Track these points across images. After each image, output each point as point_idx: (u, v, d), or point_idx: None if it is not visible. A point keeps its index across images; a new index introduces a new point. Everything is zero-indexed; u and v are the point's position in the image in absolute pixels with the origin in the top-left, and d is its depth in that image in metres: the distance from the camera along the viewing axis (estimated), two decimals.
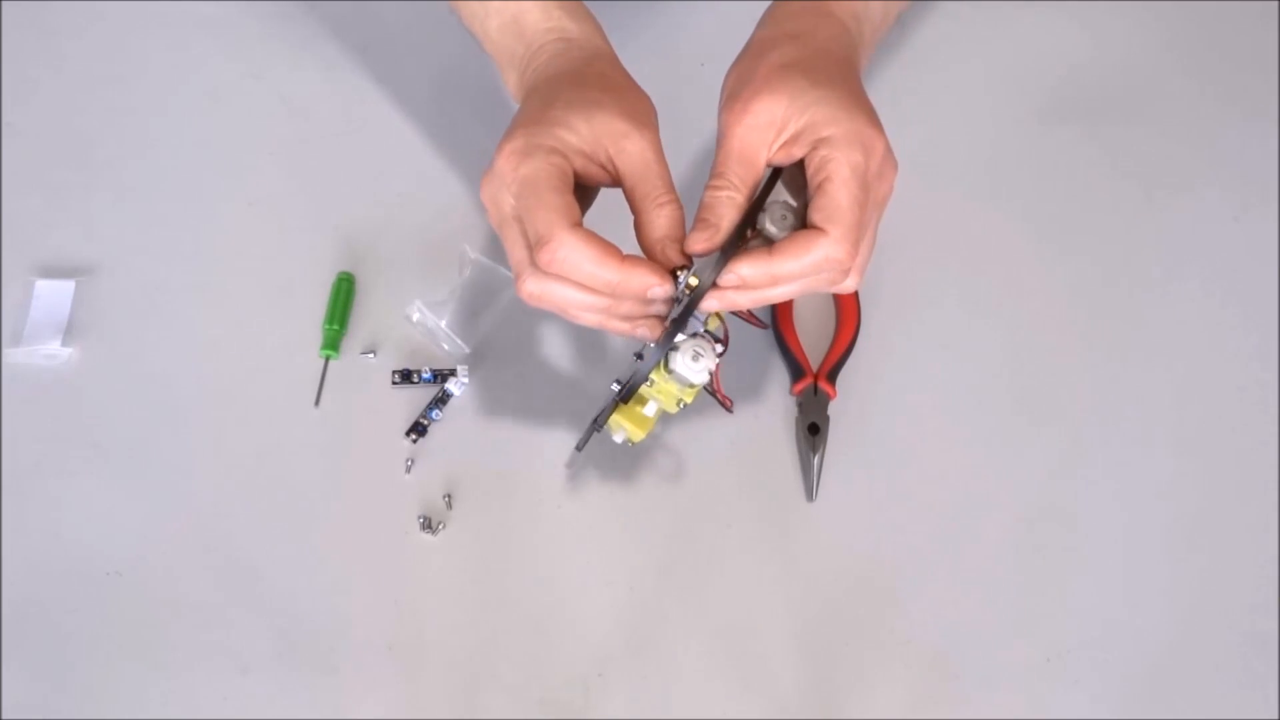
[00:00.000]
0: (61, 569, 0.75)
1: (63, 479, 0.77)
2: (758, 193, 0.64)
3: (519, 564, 0.76)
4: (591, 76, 0.66)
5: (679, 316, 0.64)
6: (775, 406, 0.81)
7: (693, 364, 0.64)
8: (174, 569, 0.75)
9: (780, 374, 0.82)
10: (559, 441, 0.79)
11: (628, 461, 0.79)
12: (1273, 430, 0.80)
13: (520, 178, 0.61)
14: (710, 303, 0.62)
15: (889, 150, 0.62)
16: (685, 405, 0.67)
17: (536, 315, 0.83)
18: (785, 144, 0.62)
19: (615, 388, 0.67)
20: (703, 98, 0.90)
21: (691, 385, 0.66)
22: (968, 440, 0.80)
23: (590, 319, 0.63)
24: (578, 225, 0.60)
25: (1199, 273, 0.86)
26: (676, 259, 0.63)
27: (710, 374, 0.65)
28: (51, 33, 0.92)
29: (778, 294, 0.62)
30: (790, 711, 0.72)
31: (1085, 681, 0.74)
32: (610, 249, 0.61)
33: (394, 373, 0.81)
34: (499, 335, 0.82)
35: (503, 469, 0.78)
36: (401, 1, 0.93)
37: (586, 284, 0.61)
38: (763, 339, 0.82)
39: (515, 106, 0.69)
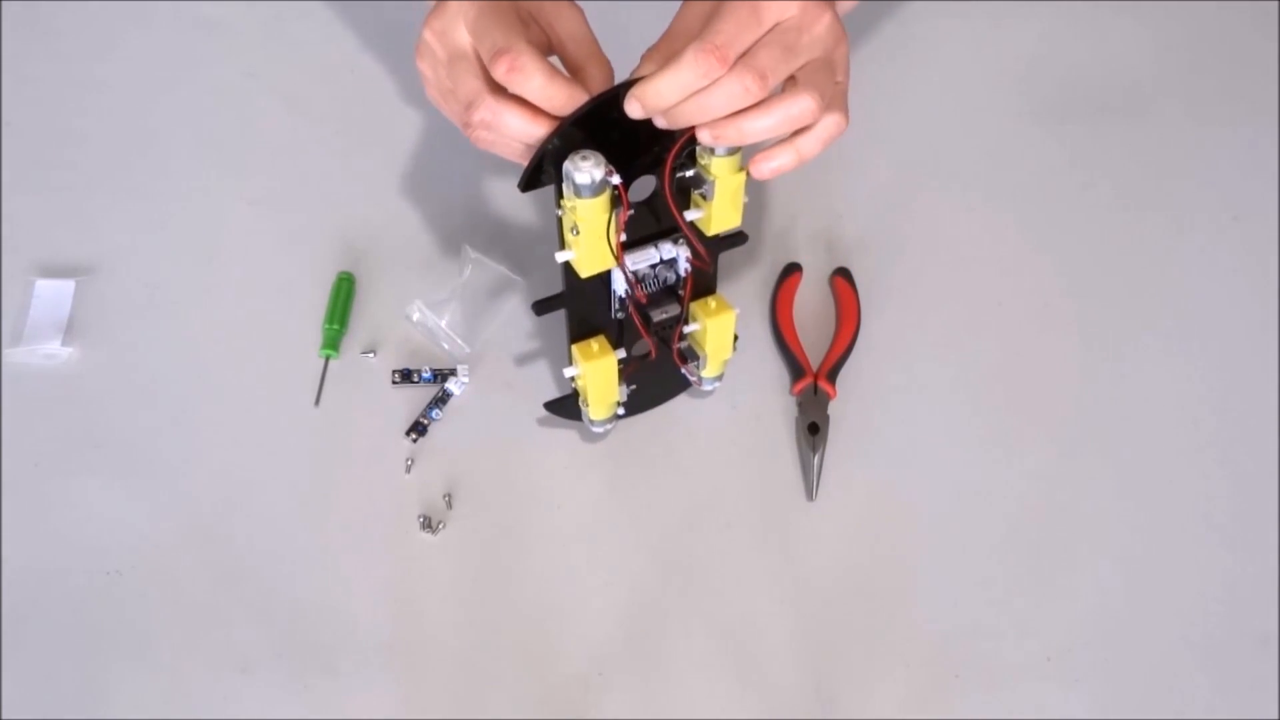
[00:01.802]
0: (61, 569, 0.75)
1: (63, 479, 0.77)
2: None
3: (519, 564, 0.76)
4: None
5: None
6: (775, 406, 0.81)
7: (580, 163, 0.61)
8: (174, 569, 0.75)
9: (780, 374, 0.82)
10: (559, 441, 0.79)
11: (628, 461, 0.79)
12: (1273, 430, 0.80)
13: (479, 5, 0.62)
14: (633, 106, 0.61)
15: (824, 10, 0.61)
16: (576, 232, 0.64)
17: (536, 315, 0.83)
18: None
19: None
20: None
21: (578, 192, 0.62)
22: (968, 440, 0.80)
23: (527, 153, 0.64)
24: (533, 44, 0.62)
25: (1198, 272, 0.86)
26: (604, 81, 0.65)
27: (593, 180, 0.61)
28: (51, 33, 0.92)
29: (686, 111, 0.61)
30: (790, 711, 0.72)
31: (1085, 681, 0.74)
32: (559, 70, 0.62)
33: (394, 373, 0.81)
34: (499, 335, 0.82)
35: (503, 469, 0.78)
36: (401, 1, 0.93)
37: (537, 101, 0.61)
38: (763, 338, 0.83)
39: None
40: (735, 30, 0.59)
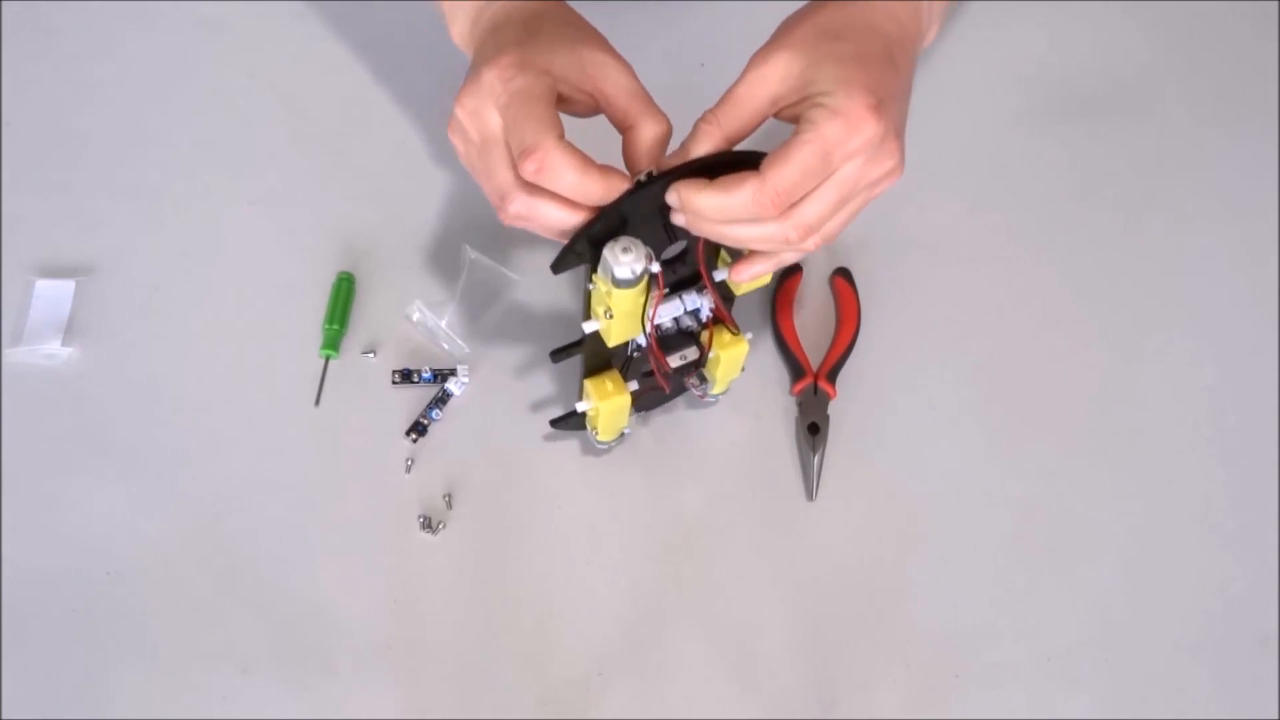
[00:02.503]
0: (61, 569, 0.75)
1: (63, 479, 0.77)
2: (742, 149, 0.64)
3: (519, 564, 0.76)
4: (558, 15, 0.66)
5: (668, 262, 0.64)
6: (775, 406, 0.81)
7: (621, 255, 0.62)
8: (174, 569, 0.75)
9: (780, 374, 0.82)
10: (559, 441, 0.79)
11: (628, 462, 0.79)
12: (1273, 429, 0.80)
13: (512, 90, 0.61)
14: (673, 198, 0.62)
15: (886, 139, 0.61)
16: (610, 315, 0.65)
17: (536, 315, 0.83)
18: (792, 105, 0.61)
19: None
20: (703, 97, 0.90)
21: (615, 281, 0.63)
22: (968, 440, 0.80)
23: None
24: (564, 137, 0.61)
25: (1199, 272, 0.86)
26: (650, 165, 0.63)
27: (634, 274, 0.62)
28: (51, 33, 0.92)
29: (719, 230, 0.62)
30: (790, 711, 0.72)
31: (1085, 681, 0.74)
32: (593, 162, 0.61)
33: (394, 373, 0.81)
34: (499, 335, 0.82)
35: (503, 469, 0.78)
36: (401, 1, 0.93)
37: (570, 196, 0.61)
38: (763, 338, 0.82)
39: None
40: (801, 179, 0.59)
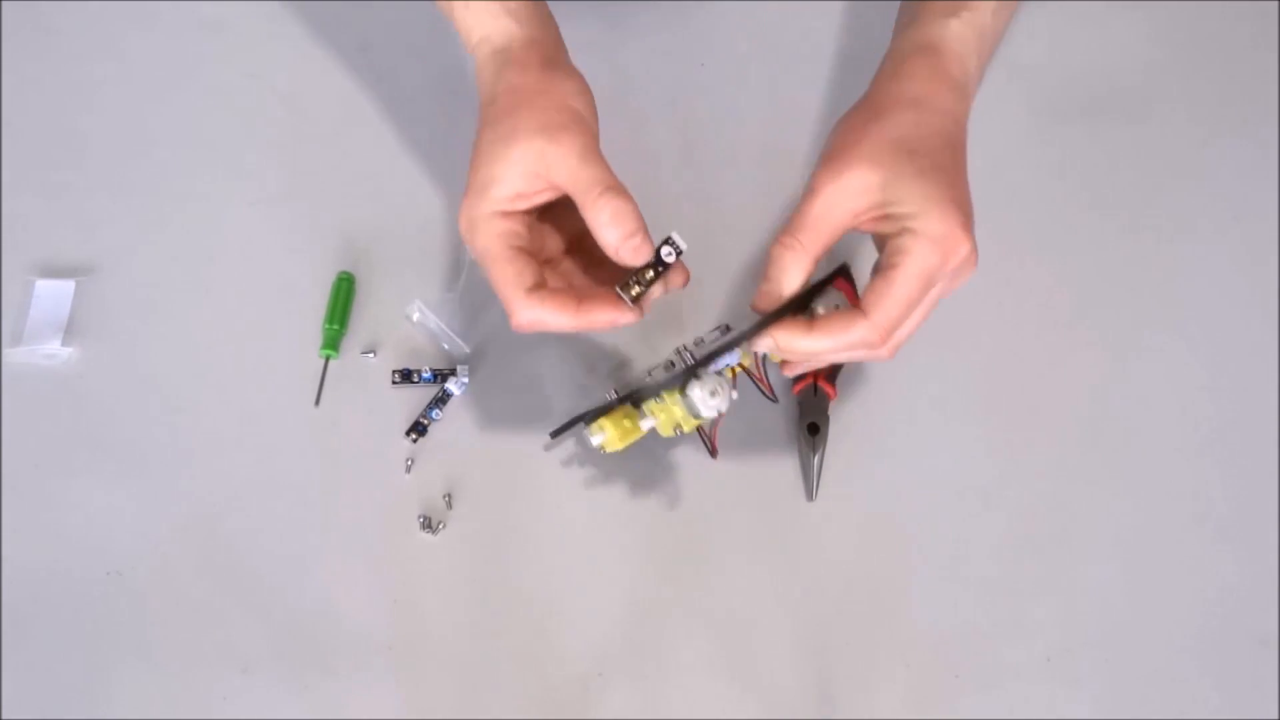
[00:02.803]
0: (61, 569, 0.75)
1: (63, 479, 0.77)
2: (820, 277, 0.65)
3: (519, 564, 0.76)
4: (505, 95, 0.64)
5: (706, 357, 0.65)
6: (775, 407, 0.80)
7: (708, 398, 0.64)
8: (174, 569, 0.75)
9: (780, 374, 0.82)
10: (558, 441, 0.79)
11: (628, 462, 0.79)
12: (1273, 430, 0.80)
13: (477, 251, 0.64)
14: (765, 343, 0.63)
15: (972, 252, 0.61)
16: (681, 433, 0.68)
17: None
18: (872, 219, 0.61)
19: (611, 396, 0.67)
20: (703, 98, 0.91)
21: (698, 417, 0.66)
22: (968, 440, 0.80)
23: None
24: (532, 290, 0.63)
25: (1198, 273, 0.86)
26: (633, 261, 0.63)
27: (719, 414, 0.65)
28: (51, 33, 0.92)
29: (810, 361, 0.64)
30: (790, 711, 0.72)
31: (1085, 681, 0.74)
32: (566, 301, 0.63)
33: (394, 373, 0.81)
34: (499, 335, 0.82)
35: (503, 469, 0.78)
36: (401, 1, 0.93)
37: (557, 328, 0.64)
38: None
39: None
40: (905, 309, 0.60)
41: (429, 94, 0.90)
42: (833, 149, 0.63)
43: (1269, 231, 0.87)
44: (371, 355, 0.81)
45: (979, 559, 0.77)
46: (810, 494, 0.78)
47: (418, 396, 0.80)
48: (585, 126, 0.63)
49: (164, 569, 0.75)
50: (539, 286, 0.63)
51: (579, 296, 0.63)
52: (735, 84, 0.91)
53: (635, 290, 0.63)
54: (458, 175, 0.87)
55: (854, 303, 0.82)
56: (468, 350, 0.81)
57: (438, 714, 0.72)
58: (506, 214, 0.63)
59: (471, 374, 0.81)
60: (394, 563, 0.75)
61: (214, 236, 0.85)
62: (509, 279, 0.63)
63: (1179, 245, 0.87)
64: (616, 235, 0.62)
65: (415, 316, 0.81)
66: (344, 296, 0.82)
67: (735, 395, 0.66)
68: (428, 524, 0.76)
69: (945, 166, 0.62)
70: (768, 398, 0.70)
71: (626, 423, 0.69)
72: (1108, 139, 0.90)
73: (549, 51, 0.66)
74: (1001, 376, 0.82)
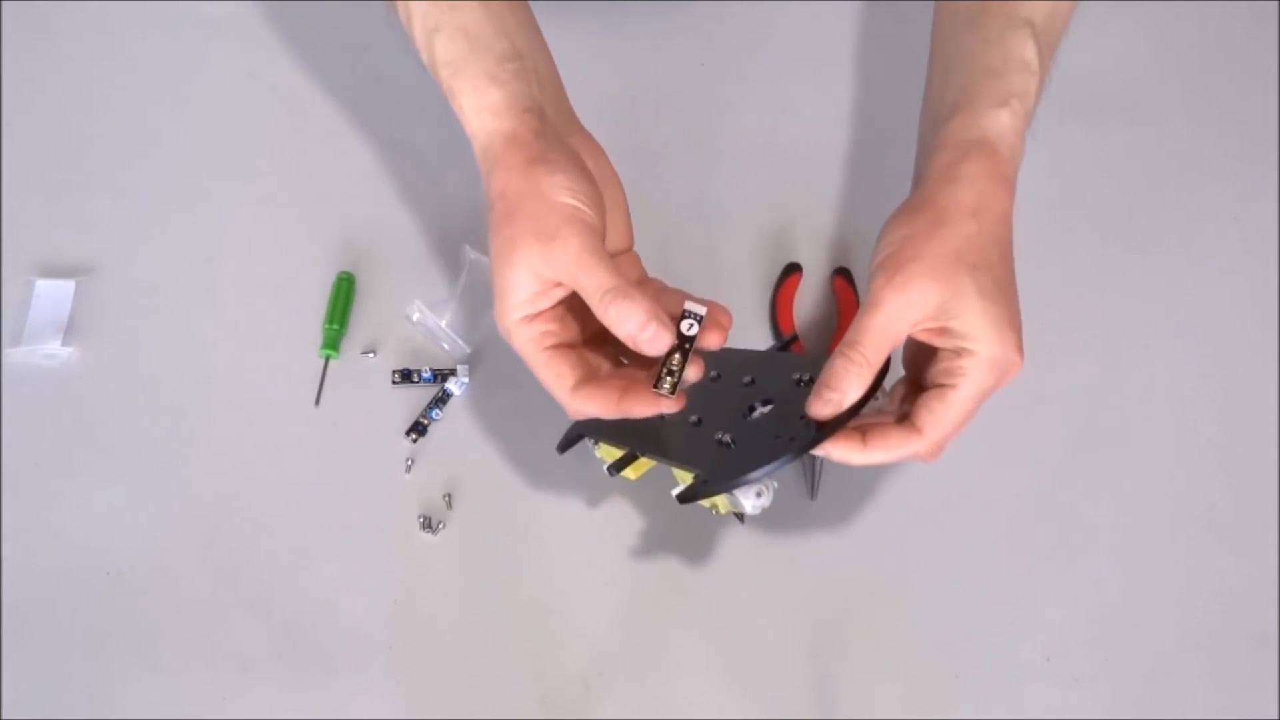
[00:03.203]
0: (61, 569, 0.75)
1: (63, 479, 0.77)
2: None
3: (519, 564, 0.76)
4: (500, 200, 0.63)
5: (761, 467, 0.62)
6: None
7: (755, 499, 0.65)
8: (174, 569, 0.75)
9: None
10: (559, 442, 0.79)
11: None
12: (1273, 430, 0.80)
13: (519, 348, 0.63)
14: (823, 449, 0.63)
15: (1020, 362, 0.62)
16: (717, 513, 0.68)
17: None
18: (930, 330, 0.61)
19: (674, 492, 0.66)
20: (703, 98, 0.91)
21: (739, 511, 0.66)
22: (967, 439, 0.80)
23: None
24: (577, 387, 0.62)
25: (1198, 273, 0.86)
26: (655, 351, 0.61)
27: (758, 512, 0.65)
28: (51, 33, 0.92)
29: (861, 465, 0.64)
30: (790, 712, 0.72)
31: (1085, 681, 0.74)
32: (609, 394, 0.62)
33: (394, 373, 0.81)
34: (499, 335, 0.82)
35: (503, 469, 0.78)
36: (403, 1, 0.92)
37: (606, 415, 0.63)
38: (763, 338, 0.82)
39: None
40: (956, 429, 0.61)
41: (429, 94, 0.90)
42: (894, 258, 0.62)
43: (1269, 232, 0.87)
44: (371, 355, 0.81)
45: (979, 559, 0.77)
46: (810, 494, 0.78)
47: (418, 396, 0.80)
48: (580, 224, 0.61)
49: (164, 569, 0.75)
50: (584, 381, 0.63)
51: (621, 389, 0.62)
52: (735, 84, 0.91)
53: (669, 383, 0.62)
54: (458, 175, 0.88)
55: (853, 306, 0.83)
56: (468, 350, 0.81)
57: (438, 714, 0.72)
58: (532, 317, 0.62)
59: (471, 374, 0.81)
60: (394, 563, 0.75)
61: (214, 236, 0.85)
62: (551, 382, 0.63)
63: (1179, 246, 0.87)
64: (628, 334, 0.61)
65: (415, 316, 0.81)
66: (344, 296, 0.82)
67: (777, 485, 0.66)
68: (428, 524, 0.76)
69: (1004, 283, 0.62)
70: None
71: (648, 462, 0.69)
72: (1107, 139, 0.90)
73: (534, 142, 0.63)
74: None
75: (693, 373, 0.62)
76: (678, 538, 0.77)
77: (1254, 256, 0.87)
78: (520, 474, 0.78)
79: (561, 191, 0.61)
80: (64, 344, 0.81)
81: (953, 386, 0.61)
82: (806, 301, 0.84)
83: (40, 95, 0.90)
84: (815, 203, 0.88)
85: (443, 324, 0.81)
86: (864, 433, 0.62)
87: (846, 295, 0.83)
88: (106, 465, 0.78)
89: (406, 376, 0.81)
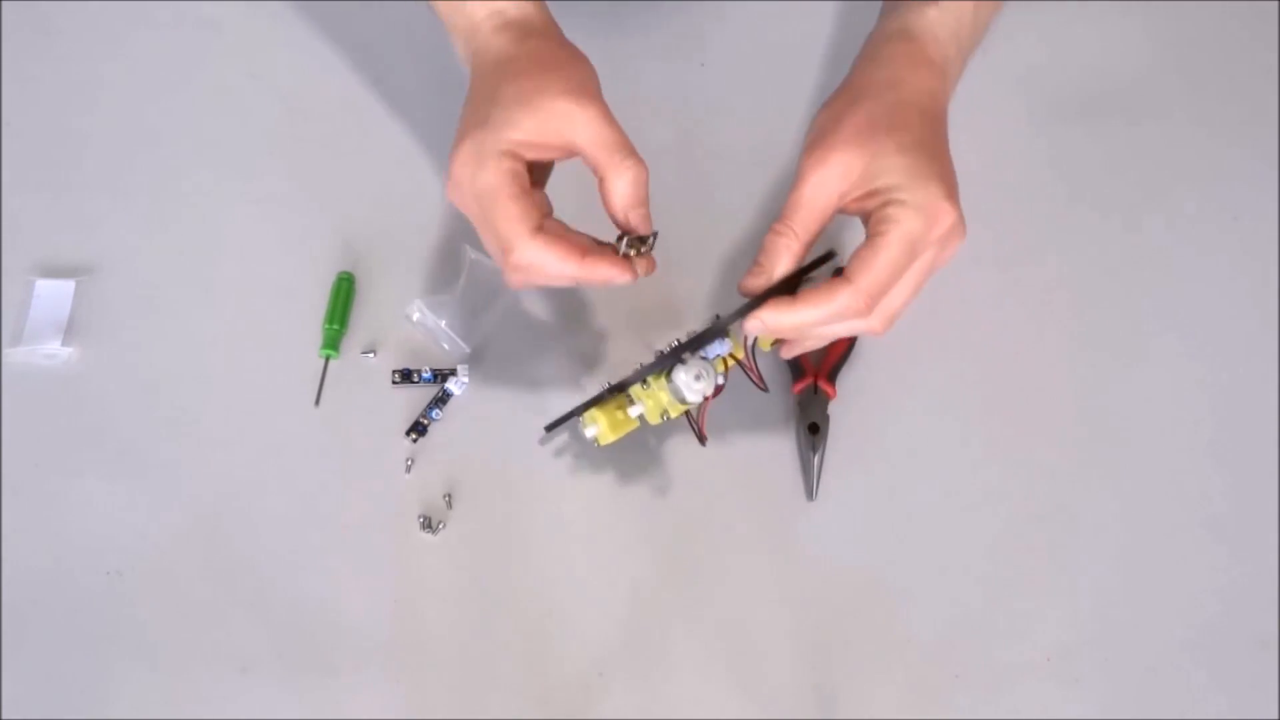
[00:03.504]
0: (61, 569, 0.75)
1: (63, 479, 0.77)
2: (811, 260, 0.65)
3: (519, 564, 0.76)
4: (527, 59, 0.65)
5: (694, 340, 0.66)
6: (775, 406, 0.81)
7: (693, 383, 0.65)
8: (174, 569, 0.75)
9: (780, 374, 0.82)
10: (559, 442, 0.79)
11: (628, 462, 0.79)
12: (1273, 430, 0.80)
13: (478, 189, 0.63)
14: (754, 324, 0.63)
15: (958, 221, 0.63)
16: (668, 418, 0.68)
17: (537, 315, 0.83)
18: (859, 198, 0.63)
19: (607, 384, 0.67)
20: (703, 98, 0.91)
21: (683, 402, 0.66)
22: (967, 439, 0.80)
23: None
24: (537, 230, 0.62)
25: (1198, 273, 0.86)
26: (641, 227, 0.64)
27: (704, 398, 0.65)
28: (51, 33, 0.92)
29: (801, 334, 0.64)
30: (790, 711, 0.72)
31: (1085, 681, 0.74)
32: (571, 247, 0.63)
33: (394, 372, 0.81)
34: (499, 335, 0.82)
35: (503, 469, 0.78)
36: (402, 1, 0.93)
37: (553, 278, 0.64)
38: None
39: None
40: (890, 278, 0.61)
41: (429, 94, 0.90)
42: (815, 135, 0.64)
43: (1269, 231, 0.87)
44: (371, 355, 0.81)
45: (979, 559, 0.77)
46: (810, 494, 0.78)
47: (418, 396, 0.80)
48: (604, 101, 0.64)
49: (164, 569, 0.75)
50: (545, 229, 0.63)
51: (584, 248, 0.63)
52: (735, 84, 0.91)
53: (632, 251, 0.63)
54: None
55: None
56: (468, 350, 0.81)
57: (438, 714, 0.72)
58: (515, 155, 0.63)
59: (471, 374, 0.81)
60: (394, 563, 0.75)
61: (214, 236, 0.85)
62: (515, 215, 0.62)
63: (1179, 245, 0.87)
64: (631, 199, 0.62)
65: (415, 316, 0.81)
66: (344, 296, 0.82)
67: (722, 381, 0.66)
68: (428, 524, 0.76)
69: (926, 141, 0.63)
70: (759, 387, 0.70)
71: (619, 414, 0.70)
72: (1107, 139, 0.90)
73: (562, 34, 0.67)
74: (1001, 376, 0.82)
75: (643, 268, 0.64)
76: (679, 538, 0.77)
77: (1254, 256, 0.87)
78: (520, 474, 0.78)
79: (592, 73, 0.64)
80: (64, 344, 0.81)
81: (880, 234, 0.61)
82: None
83: (40, 95, 0.90)
84: None
85: (443, 324, 0.81)
86: (796, 297, 0.63)
87: None
88: (106, 465, 0.78)
89: (406, 376, 0.81)
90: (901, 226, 0.61)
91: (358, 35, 0.92)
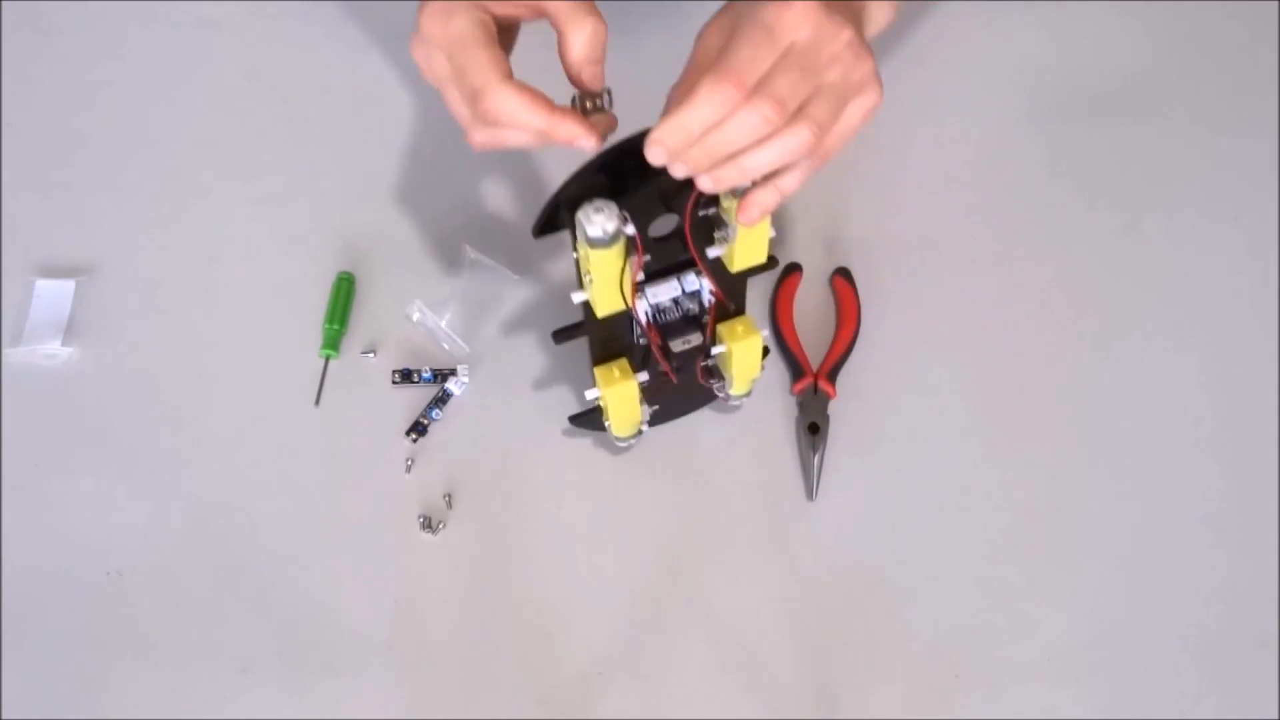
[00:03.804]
0: (61, 569, 0.75)
1: (63, 478, 0.77)
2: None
3: (519, 564, 0.76)
4: None
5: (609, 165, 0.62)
6: (775, 406, 0.81)
7: (593, 215, 0.61)
8: (174, 569, 0.75)
9: (780, 374, 0.82)
10: (559, 441, 0.79)
11: (628, 461, 0.79)
12: (1273, 430, 0.80)
13: (449, 38, 0.62)
14: (655, 151, 0.59)
15: (853, 40, 0.59)
16: (590, 280, 0.65)
17: (537, 315, 0.83)
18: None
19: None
20: None
21: (590, 243, 0.62)
22: (967, 439, 0.80)
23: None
24: (508, 77, 0.62)
25: (1198, 272, 0.86)
26: (594, 84, 0.64)
27: (605, 234, 0.61)
28: (51, 33, 0.92)
29: (710, 157, 0.59)
30: (790, 711, 0.72)
31: (1085, 681, 0.74)
32: (540, 98, 0.62)
33: (394, 372, 0.81)
34: (499, 335, 0.82)
35: (503, 469, 0.78)
36: (402, 1, 0.92)
37: (522, 129, 0.62)
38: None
39: None
40: (750, 55, 0.57)
41: (430, 94, 0.90)
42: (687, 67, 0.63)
43: (1269, 231, 0.87)
44: (371, 355, 0.81)
45: (978, 559, 0.77)
46: (810, 494, 0.78)
47: (418, 396, 0.80)
48: None
49: (164, 569, 0.75)
50: (512, 78, 0.63)
51: (551, 102, 0.62)
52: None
53: (589, 105, 0.63)
54: (458, 175, 0.88)
55: (853, 306, 0.83)
56: (468, 350, 0.81)
57: (438, 714, 0.72)
58: (484, 8, 0.63)
59: (471, 374, 0.81)
60: (394, 563, 0.75)
61: (214, 236, 0.85)
62: (487, 62, 0.62)
63: (1179, 245, 0.87)
64: (587, 54, 0.63)
65: (415, 316, 0.81)
66: (344, 296, 0.82)
67: (631, 230, 0.62)
68: (428, 524, 0.76)
69: None
70: (702, 268, 0.67)
71: (616, 371, 0.70)
72: (1108, 139, 0.90)
73: None
74: (1001, 376, 0.82)
75: (607, 122, 0.63)
76: (678, 537, 0.77)
77: (1254, 256, 0.87)
78: (520, 474, 0.78)
79: None
80: (64, 344, 0.81)
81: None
82: (806, 301, 0.84)
83: (40, 95, 0.90)
84: (815, 203, 0.88)
85: (443, 324, 0.81)
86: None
87: (846, 295, 0.83)
88: (106, 465, 0.78)
89: (406, 376, 0.81)
90: (753, 15, 0.58)
91: (358, 35, 0.92)
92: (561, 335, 0.70)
